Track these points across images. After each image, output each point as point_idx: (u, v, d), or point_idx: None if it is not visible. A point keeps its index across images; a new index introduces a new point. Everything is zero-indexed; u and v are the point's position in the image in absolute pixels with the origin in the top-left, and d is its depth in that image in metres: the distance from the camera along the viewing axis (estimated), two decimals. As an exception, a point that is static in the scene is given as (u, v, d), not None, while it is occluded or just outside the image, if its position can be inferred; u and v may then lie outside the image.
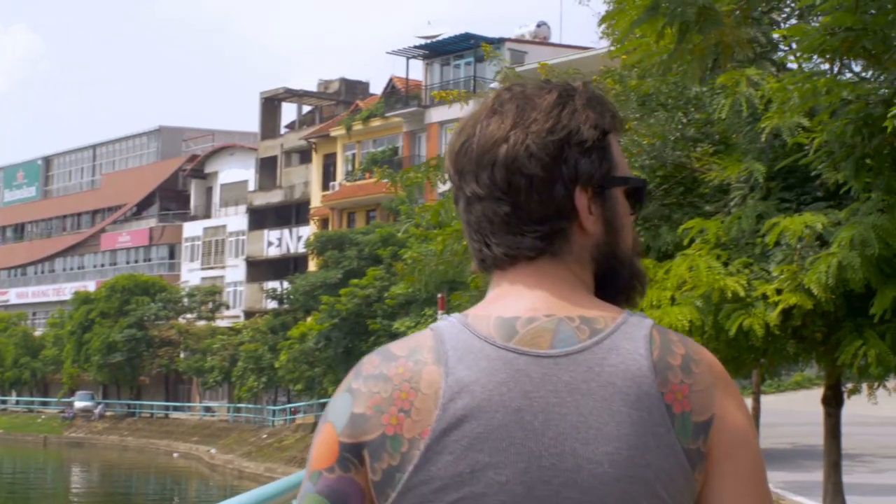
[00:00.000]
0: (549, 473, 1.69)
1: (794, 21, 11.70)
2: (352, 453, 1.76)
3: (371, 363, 1.80)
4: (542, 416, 1.70)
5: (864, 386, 11.96)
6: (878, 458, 23.62)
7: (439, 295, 18.01)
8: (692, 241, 11.07)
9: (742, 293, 10.23)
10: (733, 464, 1.75)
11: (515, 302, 1.80)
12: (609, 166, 1.84)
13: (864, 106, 10.12)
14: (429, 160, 12.53)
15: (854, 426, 32.82)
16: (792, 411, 35.87)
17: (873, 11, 9.18)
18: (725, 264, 10.65)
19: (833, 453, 12.31)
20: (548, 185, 1.79)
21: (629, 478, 1.68)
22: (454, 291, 17.59)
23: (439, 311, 18.02)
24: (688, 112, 12.53)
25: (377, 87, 72.81)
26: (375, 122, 65.11)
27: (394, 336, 40.49)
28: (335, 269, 48.86)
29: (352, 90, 75.94)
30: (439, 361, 1.74)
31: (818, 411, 36.02)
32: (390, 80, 66.19)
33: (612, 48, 12.45)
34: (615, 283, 1.89)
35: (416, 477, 1.72)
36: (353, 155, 66.84)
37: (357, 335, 44.22)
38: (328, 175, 69.09)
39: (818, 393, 37.31)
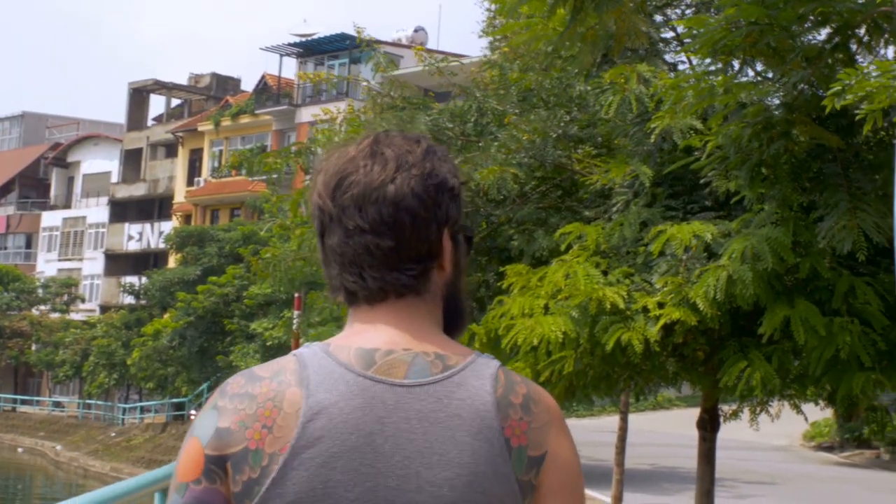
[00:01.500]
0: (394, 493, 1.83)
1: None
2: (216, 465, 1.87)
3: (237, 384, 1.93)
4: (393, 440, 1.85)
5: (747, 410, 11.16)
6: (739, 484, 23.16)
7: (296, 295, 17.13)
8: (569, 247, 10.25)
9: (622, 305, 9.42)
10: (560, 499, 1.92)
11: (376, 335, 1.96)
12: (462, 214, 2.09)
13: (763, 109, 9.42)
14: (289, 146, 11.56)
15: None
16: (652, 431, 35.48)
17: (781, 6, 8.44)
18: (605, 273, 9.84)
19: (706, 480, 11.57)
20: (426, 224, 1.99)
21: (465, 501, 1.83)
22: (312, 291, 16.61)
23: (295, 312, 17.13)
24: (570, 111, 11.72)
25: (249, 84, 71.74)
26: (245, 119, 63.99)
27: (251, 337, 39.45)
28: (194, 265, 47.44)
29: (223, 86, 74.87)
30: (301, 384, 1.88)
31: (679, 433, 35.90)
32: (262, 77, 65.18)
33: (490, 52, 11.71)
34: (456, 319, 2.09)
35: (273, 490, 1.83)
36: (221, 151, 65.72)
37: (213, 335, 42.93)
38: (194, 170, 67.97)
39: (678, 414, 37.31)
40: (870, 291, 9.33)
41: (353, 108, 12.10)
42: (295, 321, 16.19)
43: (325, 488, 1.83)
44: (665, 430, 36.31)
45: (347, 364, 1.91)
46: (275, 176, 11.41)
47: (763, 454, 31.87)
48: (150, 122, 76.23)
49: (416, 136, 2.07)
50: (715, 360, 10.02)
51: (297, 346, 18.93)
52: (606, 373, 10.40)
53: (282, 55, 62.40)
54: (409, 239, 1.97)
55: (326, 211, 2.01)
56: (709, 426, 11.58)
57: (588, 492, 21.50)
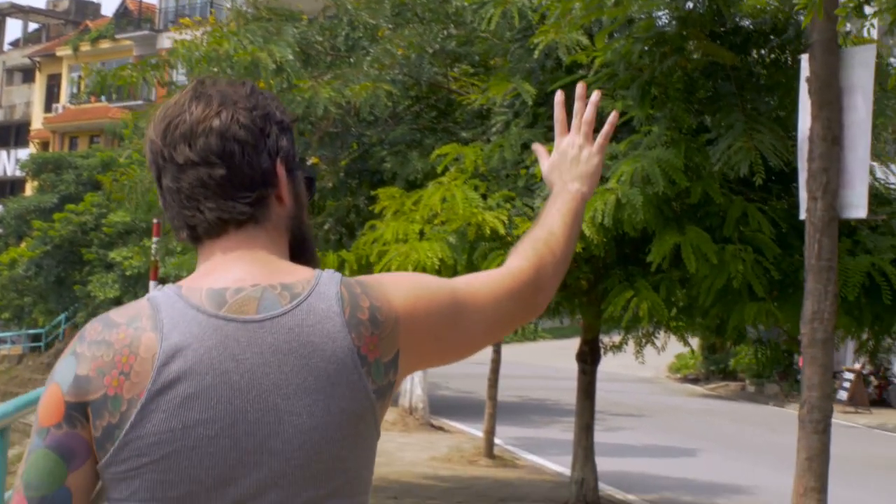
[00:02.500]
0: (254, 427, 1.88)
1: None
2: (77, 411, 1.90)
3: (94, 330, 1.96)
4: (248, 376, 1.90)
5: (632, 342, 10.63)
6: (608, 416, 22.90)
7: (155, 221, 16.27)
8: (446, 169, 9.62)
9: (502, 230, 8.82)
10: (430, 315, 2.05)
11: (224, 274, 1.99)
12: (296, 151, 2.12)
13: (654, 24, 8.86)
14: (147, 58, 10.69)
15: (572, 380, 32.51)
16: (518, 363, 35.20)
17: None
18: (484, 197, 9.23)
19: (586, 414, 11.09)
20: (256, 152, 2.02)
21: (325, 425, 1.91)
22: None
23: (154, 238, 16.26)
24: (447, 26, 11.02)
25: (109, 10, 69.79)
26: (105, 44, 61.97)
27: (109, 267, 38.15)
28: (51, 193, 45.79)
29: (82, 10, 72.72)
30: (156, 328, 1.91)
31: (545, 365, 35.60)
32: (123, 1, 63.21)
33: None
34: (304, 251, 2.13)
35: (132, 433, 1.87)
36: (80, 77, 63.53)
37: (71, 264, 41.35)
38: (52, 96, 65.81)
39: (544, 346, 37.00)
40: (763, 218, 8.87)
41: (215, 20, 11.26)
42: (154, 248, 15.28)
43: (184, 428, 1.86)
44: (531, 363, 36.18)
45: (199, 306, 1.93)
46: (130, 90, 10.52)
47: (630, 386, 31.79)
48: (6, 47, 73.63)
49: (241, 80, 2.12)
50: (599, 289, 9.51)
51: (157, 274, 18.05)
52: (485, 303, 9.82)
53: (143, -23, 60.56)
54: (241, 166, 2.00)
55: (158, 152, 2.03)
56: (589, 359, 11.09)
57: (459, 425, 21.04)
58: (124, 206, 12.43)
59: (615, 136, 9.62)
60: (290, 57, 9.56)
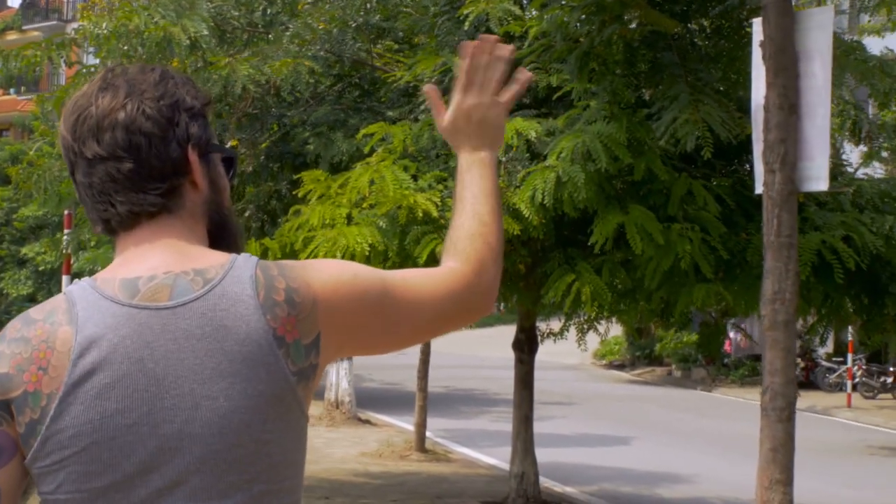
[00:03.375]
0: (171, 413, 1.86)
1: None
2: (1, 409, 1.90)
3: (14, 328, 1.96)
4: (163, 362, 1.88)
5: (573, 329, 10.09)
6: (537, 405, 22.44)
7: (66, 212, 15.51)
8: (373, 150, 9.08)
9: (434, 213, 8.31)
10: (354, 307, 2.00)
11: (138, 264, 1.97)
12: (210, 134, 2.07)
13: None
14: (52, 37, 10.00)
15: (507, 370, 32.11)
16: (440, 353, 34.72)
17: None
18: (414, 178, 8.69)
19: (524, 405, 10.61)
20: (164, 143, 1.98)
21: (244, 408, 1.87)
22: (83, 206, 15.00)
23: (66, 231, 15.52)
24: (369, 1, 10.45)
25: (16, 1, 68.19)
26: (12, 36, 60.41)
27: (22, 263, 37.05)
28: (-42, 189, 44.57)
29: (-13, -2, 70.92)
30: (71, 322, 1.91)
31: (470, 354, 35.20)
32: (30, -12, 61.84)
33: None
34: (224, 235, 2.09)
35: (52, 427, 1.86)
36: (-13, 69, 62.02)
37: (-19, 262, 40.28)
38: (-42, 90, 64.10)
39: (466, 335, 36.53)
40: (708, 196, 8.43)
41: (123, -5, 10.60)
42: (65, 241, 14.56)
43: (102, 419, 1.85)
44: (455, 352, 35.63)
45: (113, 296, 1.92)
46: (36, 71, 9.81)
47: (556, 374, 31.36)
48: None
49: (152, 66, 2.10)
50: (538, 273, 9.01)
51: (69, 268, 17.28)
52: (419, 289, 9.29)
53: (51, -34, 59.35)
54: (148, 158, 1.97)
55: (69, 147, 2.02)
56: (526, 348, 10.60)
57: (388, 419, 20.47)
58: (35, 198, 11.72)
59: (549, 113, 9.15)
60: (206, 32, 8.94)
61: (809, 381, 29.65)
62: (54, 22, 58.10)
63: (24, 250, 36.16)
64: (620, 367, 36.15)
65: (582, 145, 7.89)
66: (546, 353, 25.57)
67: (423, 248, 8.26)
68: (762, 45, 6.84)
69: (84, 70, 10.00)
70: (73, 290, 1.97)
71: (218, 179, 2.08)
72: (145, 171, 1.97)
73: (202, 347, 1.88)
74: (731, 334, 30.92)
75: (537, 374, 23.93)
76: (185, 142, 2.00)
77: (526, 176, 8.08)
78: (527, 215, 8.01)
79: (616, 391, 28.84)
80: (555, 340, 10.77)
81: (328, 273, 2.01)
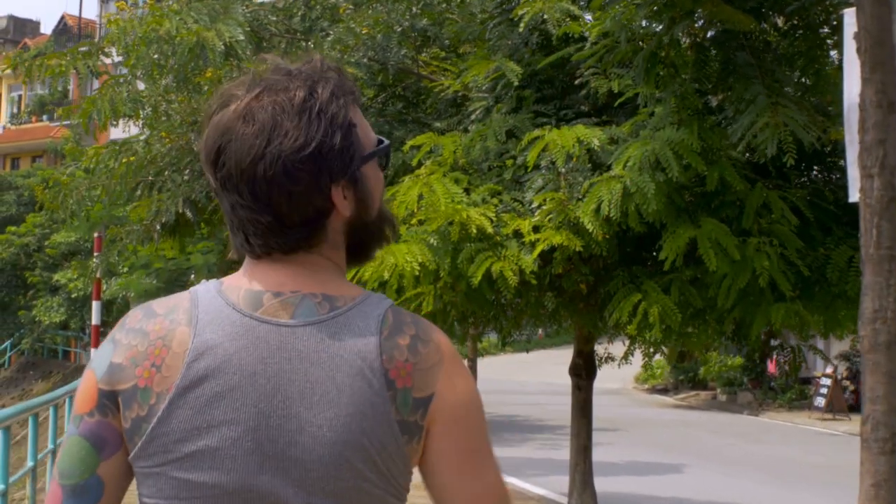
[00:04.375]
0: (276, 433, 1.83)
1: None
2: (109, 400, 1.89)
3: (135, 317, 1.95)
4: (275, 380, 1.85)
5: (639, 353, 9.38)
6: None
7: (96, 235, 15.00)
8: (420, 164, 8.47)
9: (489, 229, 7.67)
10: (450, 439, 1.89)
11: (266, 278, 1.93)
12: (357, 151, 1.93)
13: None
14: (78, 44, 9.46)
15: (548, 395, 31.40)
16: (481, 378, 34.07)
17: None
18: (466, 192, 8.06)
19: (583, 435, 9.92)
20: (306, 195, 1.89)
21: (345, 442, 1.83)
22: (113, 227, 14.45)
23: (95, 254, 14.98)
24: (412, 5, 9.85)
25: (49, 27, 68.51)
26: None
27: (55, 290, 36.64)
28: (-9, 215, 44.23)
29: (21, 28, 71.40)
30: (190, 323, 1.89)
31: (511, 380, 34.51)
32: (62, 17, 62.15)
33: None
34: (365, 247, 2.02)
35: (158, 428, 1.84)
36: (20, 97, 62.30)
37: (14, 288, 39.79)
38: (-9, 117, 64.34)
39: (502, 360, 35.89)
40: (786, 208, 7.78)
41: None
42: (95, 264, 14.01)
43: (209, 427, 1.83)
44: (493, 377, 34.90)
45: (235, 304, 1.90)
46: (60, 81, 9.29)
47: (597, 399, 30.48)
48: (-57, 68, 72.33)
49: (298, 73, 1.93)
50: (600, 293, 8.35)
51: (99, 293, 16.76)
52: (472, 312, 8.64)
53: (82, -7, 59.42)
54: (289, 213, 1.89)
55: (211, 184, 1.97)
56: (584, 373, 9.94)
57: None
58: (63, 218, 11.21)
59: (609, 121, 8.51)
60: (241, 37, 8.36)
61: (859, 405, 28.73)
62: (86, 49, 58.09)
63: (56, 277, 35.66)
64: (663, 391, 35.39)
65: (651, 153, 7.25)
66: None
67: (477, 267, 7.63)
68: (856, 37, 6.20)
69: (112, 81, 9.45)
70: (199, 290, 1.95)
71: (367, 196, 1.97)
72: (287, 222, 1.90)
73: (315, 373, 1.84)
74: (776, 356, 30.24)
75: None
76: (330, 183, 1.90)
77: (590, 187, 7.44)
78: (591, 230, 7.37)
79: (661, 416, 28.11)
80: (619, 365, 10.08)
81: (462, 380, 1.94)
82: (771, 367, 31.86)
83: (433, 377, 1.89)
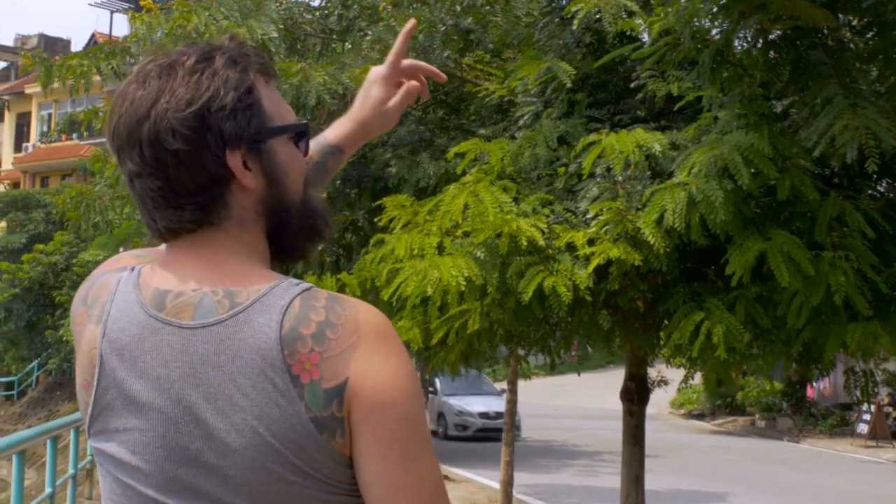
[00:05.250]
0: (186, 440, 1.75)
1: None
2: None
3: (79, 294, 1.96)
4: (179, 385, 1.76)
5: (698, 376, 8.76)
6: (618, 456, 21.20)
7: (121, 249, 14.55)
8: (464, 172, 7.92)
9: (541, 241, 7.10)
10: (370, 428, 1.74)
11: (171, 275, 1.85)
12: (260, 120, 1.84)
13: (724, -20, 7.16)
14: (100, 45, 8.99)
15: (583, 419, 30.77)
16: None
17: None
18: (515, 201, 7.50)
19: (635, 463, 9.32)
20: (194, 156, 1.79)
21: (256, 447, 1.72)
22: (138, 239, 13.97)
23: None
24: (455, 6, 9.30)
25: (79, 45, 68.63)
26: (75, 80, 60.50)
27: (82, 310, 36.29)
28: (19, 233, 43.90)
29: (51, 46, 71.57)
30: (100, 320, 1.84)
31: (544, 404, 33.89)
32: (92, 35, 62.22)
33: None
34: (288, 233, 1.91)
35: (93, 427, 1.84)
36: (50, 115, 62.43)
37: (42, 308, 39.47)
38: (21, 135, 64.65)
39: (536, 384, 35.44)
40: (862, 219, 7.17)
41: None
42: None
43: (126, 430, 1.79)
44: (527, 401, 34.29)
45: (143, 303, 1.82)
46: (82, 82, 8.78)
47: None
48: (-25, 87, 72.50)
49: (196, 46, 1.86)
50: (659, 311, 7.76)
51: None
52: (520, 331, 8.07)
53: (112, 11, 59.40)
54: (178, 176, 1.79)
55: (114, 152, 1.88)
56: (636, 397, 9.33)
57: (467, 474, 19.19)
58: (87, 232, 10.72)
59: (668, 127, 7.95)
60: (275, 34, 7.83)
61: None
62: (109, 49, 58.12)
63: (84, 295, 35.28)
64: (700, 416, 34.71)
65: (719, 159, 6.67)
66: (617, 402, 24.30)
67: (528, 282, 7.05)
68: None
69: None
70: (124, 277, 1.88)
71: (275, 170, 1.85)
72: (178, 188, 1.80)
73: (217, 377, 1.75)
74: (815, 382, 29.51)
75: (613, 424, 22.64)
76: (221, 148, 1.79)
77: (652, 195, 6.86)
78: (651, 242, 6.79)
79: (699, 442, 27.48)
80: (680, 389, 9.47)
81: (383, 360, 1.77)
82: (810, 393, 31.16)
83: (344, 362, 1.74)
